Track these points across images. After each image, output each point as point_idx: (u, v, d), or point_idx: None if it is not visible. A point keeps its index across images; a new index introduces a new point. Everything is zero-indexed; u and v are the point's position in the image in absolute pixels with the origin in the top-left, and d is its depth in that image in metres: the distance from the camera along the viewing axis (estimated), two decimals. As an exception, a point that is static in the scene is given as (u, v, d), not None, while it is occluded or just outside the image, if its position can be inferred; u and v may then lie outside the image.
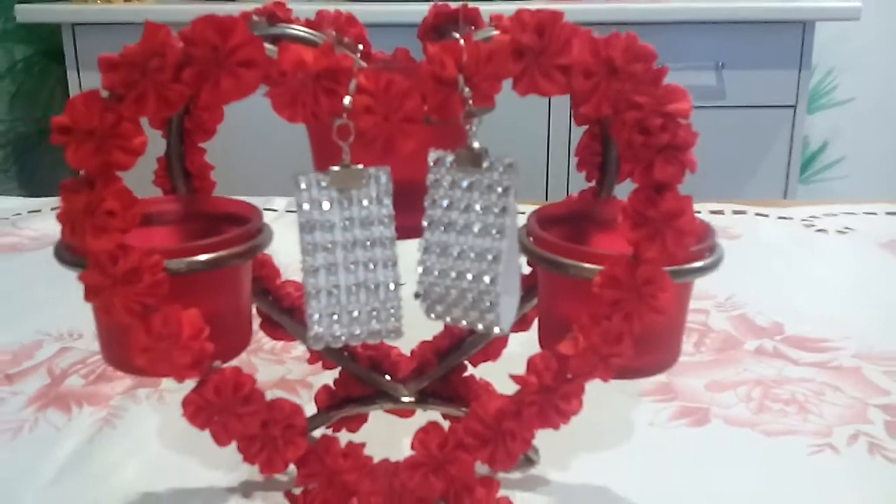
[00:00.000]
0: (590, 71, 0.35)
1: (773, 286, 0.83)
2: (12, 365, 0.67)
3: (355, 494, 0.42)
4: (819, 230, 1.01)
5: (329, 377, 0.53)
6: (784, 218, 1.05)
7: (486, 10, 0.46)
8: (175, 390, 0.62)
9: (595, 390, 0.59)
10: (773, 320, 0.75)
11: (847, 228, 1.01)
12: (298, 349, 0.69)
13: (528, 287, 0.50)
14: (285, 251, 0.52)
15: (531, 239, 0.44)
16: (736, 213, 1.07)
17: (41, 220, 1.03)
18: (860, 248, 0.95)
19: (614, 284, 0.38)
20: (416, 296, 0.66)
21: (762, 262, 0.90)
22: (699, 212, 1.11)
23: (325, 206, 0.36)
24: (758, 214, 1.06)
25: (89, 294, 0.38)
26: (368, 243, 0.36)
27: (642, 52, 0.35)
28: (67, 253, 0.41)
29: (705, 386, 0.64)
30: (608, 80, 0.35)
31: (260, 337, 0.71)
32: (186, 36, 0.35)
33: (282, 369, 0.67)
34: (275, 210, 1.05)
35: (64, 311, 0.76)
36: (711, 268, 0.42)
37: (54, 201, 1.11)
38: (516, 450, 0.41)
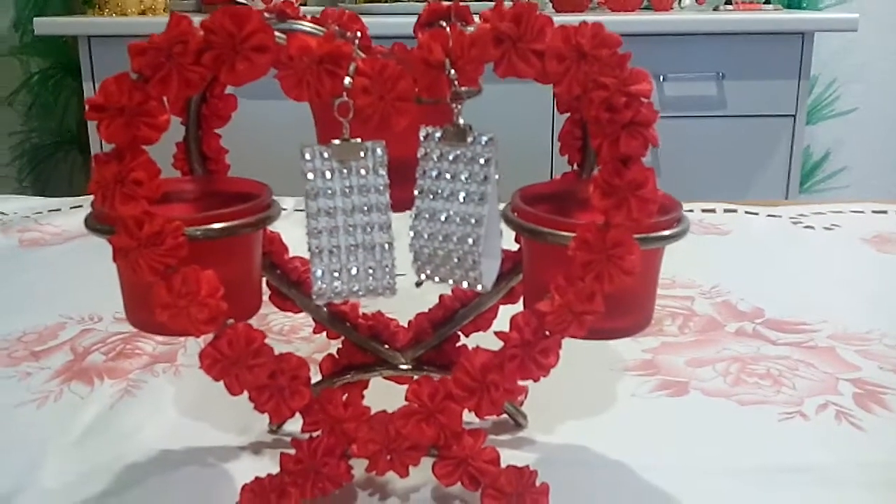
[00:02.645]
0: (561, 55, 0.40)
1: (757, 276, 0.88)
2: (38, 344, 0.72)
3: (354, 441, 0.47)
4: (806, 227, 1.05)
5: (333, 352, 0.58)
6: (773, 216, 1.09)
7: (476, 7, 0.51)
8: (189, 365, 0.67)
9: (581, 365, 0.64)
10: (754, 306, 0.80)
11: (834, 225, 1.05)
12: (305, 330, 0.74)
13: (515, 262, 0.54)
14: (293, 246, 0.56)
15: (515, 213, 0.49)
16: (727, 211, 1.11)
17: (61, 217, 1.08)
18: (845, 242, 0.99)
19: (586, 248, 0.42)
20: (418, 285, 0.71)
21: (748, 255, 0.94)
22: (691, 210, 1.16)
23: (327, 175, 0.41)
24: (748, 213, 1.11)
25: (117, 255, 0.42)
26: (366, 208, 0.41)
27: (608, 39, 0.40)
28: (96, 222, 0.45)
29: (686, 362, 0.68)
30: (578, 64, 0.40)
31: (269, 319, 0.76)
32: (206, 25, 0.39)
33: (290, 348, 0.71)
34: (284, 209, 1.10)
35: (84, 297, 0.81)
36: (676, 237, 0.46)
37: (73, 201, 1.16)
38: (500, 399, 0.45)
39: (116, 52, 2.09)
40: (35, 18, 2.03)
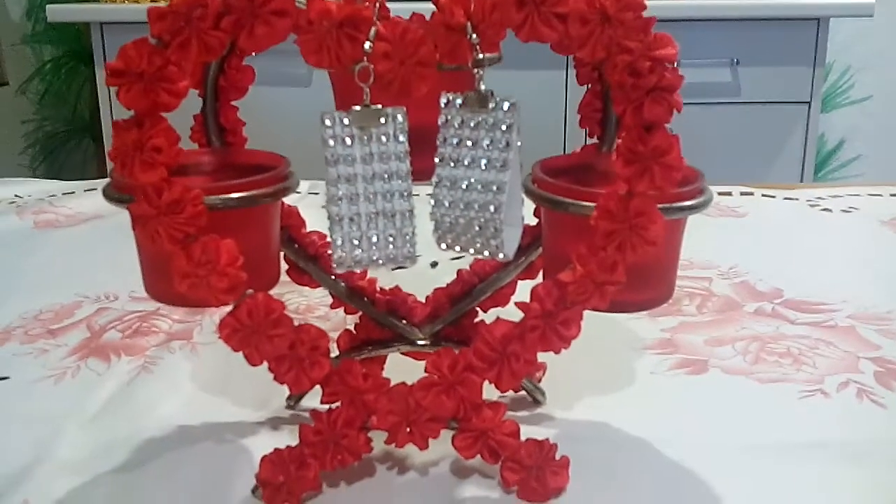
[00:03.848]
0: (585, 18, 0.39)
1: (776, 258, 0.87)
2: (54, 322, 0.72)
3: (374, 412, 0.46)
4: (824, 209, 1.04)
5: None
6: (790, 199, 1.08)
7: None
8: (206, 343, 0.67)
9: (599, 344, 0.63)
10: (773, 286, 0.79)
11: (851, 208, 1.04)
12: (321, 309, 0.73)
13: (535, 236, 0.54)
14: (309, 226, 0.56)
15: (536, 185, 0.48)
16: (744, 194, 1.10)
17: (75, 199, 1.08)
18: (862, 224, 0.98)
19: (609, 217, 0.42)
20: (433, 265, 0.70)
21: (766, 237, 0.94)
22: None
23: (347, 141, 0.40)
24: (764, 196, 1.10)
25: (136, 224, 0.42)
26: (386, 175, 0.41)
27: (632, 2, 0.39)
28: (115, 191, 0.45)
29: (705, 341, 0.67)
30: (602, 27, 0.39)
31: (286, 298, 0.75)
32: (225, -11, 0.39)
33: (306, 326, 0.71)
34: (298, 192, 1.10)
35: (100, 277, 0.81)
36: (699, 207, 0.45)
37: (87, 184, 1.16)
38: (520, 371, 0.45)
39: (129, 38, 2.07)
40: (48, 6, 2.03)
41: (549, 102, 1.89)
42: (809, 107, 2.08)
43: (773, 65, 2.04)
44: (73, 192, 1.12)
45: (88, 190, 1.12)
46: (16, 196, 1.10)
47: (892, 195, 1.10)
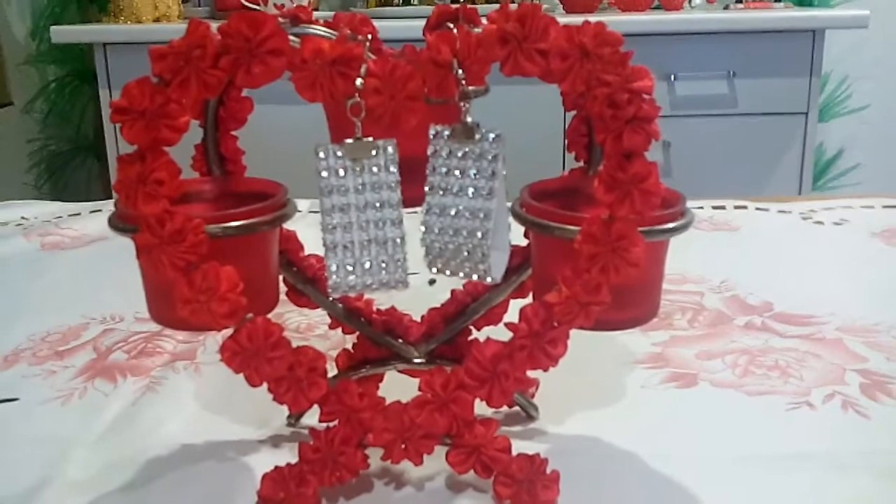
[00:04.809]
0: (565, 54, 0.41)
1: (767, 271, 0.88)
2: (62, 343, 0.74)
3: (370, 430, 0.48)
4: (816, 222, 1.06)
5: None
6: (783, 212, 1.10)
7: (483, 10, 0.53)
8: (209, 363, 0.69)
9: (591, 359, 0.65)
10: (763, 300, 0.81)
11: (843, 220, 1.06)
12: (321, 328, 0.75)
13: (525, 257, 0.56)
14: (308, 246, 0.58)
15: (523, 209, 0.50)
16: (737, 207, 1.12)
17: (81, 221, 1.10)
18: (854, 237, 1.00)
19: (592, 241, 0.44)
20: (431, 283, 0.72)
21: (758, 251, 0.95)
22: (701, 207, 1.17)
23: (341, 172, 0.42)
24: (758, 209, 1.11)
25: (141, 253, 0.44)
26: (378, 204, 0.43)
27: (610, 37, 0.41)
28: (119, 221, 0.47)
29: (695, 355, 0.69)
30: (581, 62, 0.41)
31: (286, 318, 0.77)
32: (223, 30, 0.41)
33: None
34: (299, 210, 1.12)
35: (105, 298, 0.83)
36: (680, 229, 0.47)
37: (92, 205, 1.18)
38: (510, 388, 0.46)
39: (132, 58, 2.12)
40: (52, 27, 2.06)
41: (549, 118, 1.91)
42: (806, 117, 2.09)
43: (770, 76, 2.06)
44: (78, 214, 1.14)
45: (94, 212, 1.14)
46: (22, 218, 1.12)
47: (884, 207, 1.11)
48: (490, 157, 0.42)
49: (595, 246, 0.44)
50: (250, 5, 2.12)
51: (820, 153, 2.60)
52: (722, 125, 2.07)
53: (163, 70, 0.41)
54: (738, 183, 2.08)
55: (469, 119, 0.43)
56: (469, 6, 0.52)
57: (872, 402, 0.61)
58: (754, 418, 0.60)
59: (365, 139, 0.42)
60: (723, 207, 1.12)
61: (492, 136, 0.42)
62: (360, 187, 0.42)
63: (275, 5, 2.11)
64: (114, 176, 2.08)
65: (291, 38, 0.42)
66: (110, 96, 2.09)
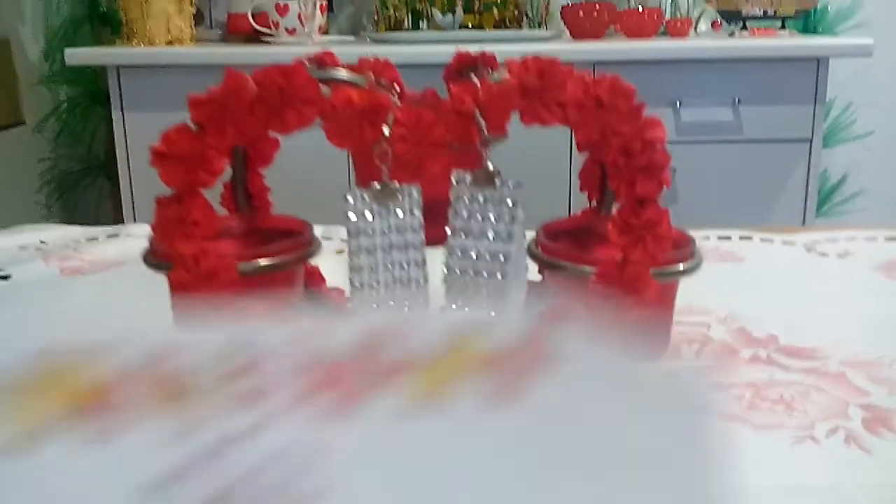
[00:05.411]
0: (581, 105, 0.43)
1: (772, 303, 0.90)
2: (85, 368, 0.76)
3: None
4: (820, 254, 1.08)
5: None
6: (788, 243, 1.12)
7: (501, 52, 0.55)
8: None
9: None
10: (768, 332, 0.82)
11: (847, 252, 1.08)
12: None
13: (539, 293, 0.58)
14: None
15: (539, 248, 0.52)
16: (742, 238, 1.14)
17: (99, 245, 1.12)
18: (856, 269, 1.01)
19: (606, 283, 0.46)
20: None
21: (763, 282, 0.97)
22: (707, 238, 1.18)
23: (368, 216, 0.45)
24: (763, 240, 1.13)
25: (175, 288, 0.46)
26: (402, 246, 0.45)
27: (624, 90, 0.43)
28: (154, 258, 0.49)
29: (702, 387, 0.71)
30: (597, 113, 0.43)
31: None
32: (258, 79, 0.43)
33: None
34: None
35: (124, 323, 0.85)
36: (690, 271, 0.49)
37: (110, 230, 1.20)
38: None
39: (144, 80, 2.15)
40: (66, 49, 2.10)
41: (556, 150, 1.93)
42: (811, 144, 2.12)
43: (775, 104, 2.08)
44: (96, 238, 1.16)
45: (111, 236, 1.16)
46: (41, 242, 1.15)
47: (886, 239, 1.13)
48: (510, 203, 0.44)
49: (609, 288, 0.46)
50: (262, 29, 2.15)
51: (824, 179, 2.62)
52: (727, 151, 2.10)
53: (201, 117, 0.44)
54: (742, 208, 2.10)
55: (490, 165, 0.45)
56: (487, 53, 0.55)
57: (874, 437, 0.63)
58: (759, 451, 0.62)
59: (391, 183, 0.45)
60: (728, 238, 1.14)
61: (512, 183, 0.44)
62: (385, 230, 0.45)
63: (286, 30, 2.14)
64: (125, 196, 2.11)
65: (322, 86, 0.44)
66: (123, 118, 2.12)
